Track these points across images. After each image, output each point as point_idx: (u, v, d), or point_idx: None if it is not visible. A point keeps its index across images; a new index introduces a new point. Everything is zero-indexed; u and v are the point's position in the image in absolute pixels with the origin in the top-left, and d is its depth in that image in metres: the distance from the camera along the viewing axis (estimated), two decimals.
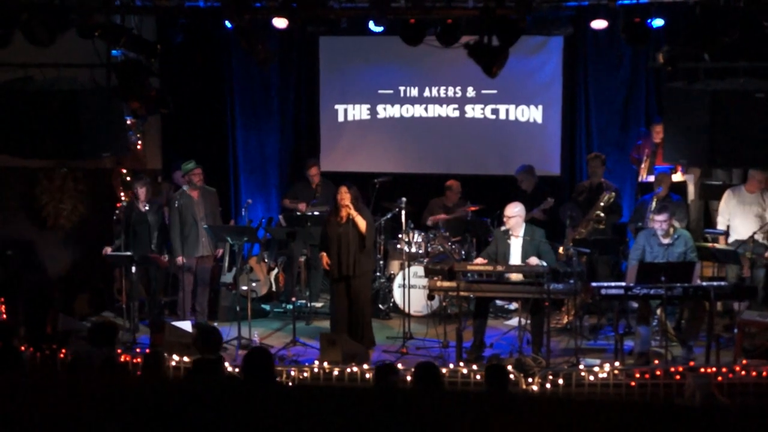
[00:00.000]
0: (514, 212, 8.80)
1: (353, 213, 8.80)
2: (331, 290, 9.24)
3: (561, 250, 9.33)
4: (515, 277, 8.59)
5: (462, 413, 2.91)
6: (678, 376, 7.70)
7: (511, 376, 7.45)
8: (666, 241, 8.46)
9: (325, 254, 9.01)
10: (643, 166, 10.49)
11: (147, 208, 9.78)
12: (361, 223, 8.82)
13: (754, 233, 9.01)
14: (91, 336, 7.06)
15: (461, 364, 8.20)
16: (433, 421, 2.89)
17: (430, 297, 9.19)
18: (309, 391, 3.86)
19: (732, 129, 7.64)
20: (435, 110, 11.69)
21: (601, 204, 9.71)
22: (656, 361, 8.15)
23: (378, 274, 10.50)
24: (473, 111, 11.61)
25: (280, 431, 2.95)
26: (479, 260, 8.89)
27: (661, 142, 10.27)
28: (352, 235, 8.84)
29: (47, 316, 9.18)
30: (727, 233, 9.50)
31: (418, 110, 11.73)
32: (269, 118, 12.05)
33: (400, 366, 7.98)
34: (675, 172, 10.11)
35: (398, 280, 10.08)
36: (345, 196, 8.83)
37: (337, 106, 11.95)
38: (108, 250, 9.76)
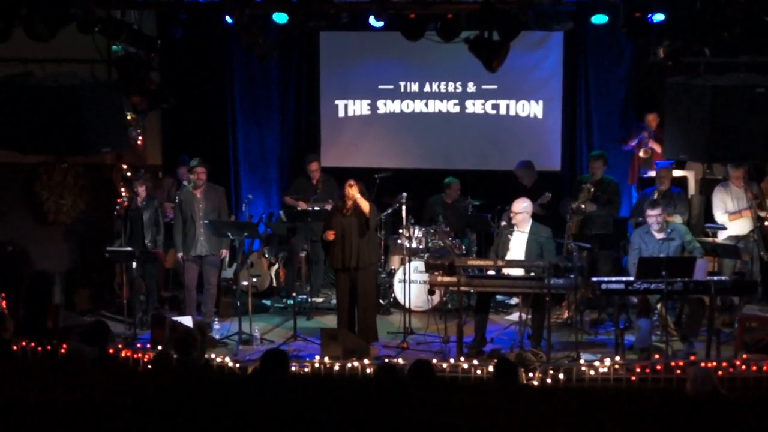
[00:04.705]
0: (521, 208, 8.79)
1: (357, 194, 8.83)
2: (336, 282, 9.27)
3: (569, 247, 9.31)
4: (516, 272, 8.59)
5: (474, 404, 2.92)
6: (678, 371, 7.70)
7: None
8: (660, 236, 8.46)
9: (331, 232, 8.91)
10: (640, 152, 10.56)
11: (144, 204, 9.76)
12: (365, 205, 8.85)
13: (751, 231, 9.04)
14: (86, 336, 7.15)
15: (462, 359, 8.21)
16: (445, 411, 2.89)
17: (431, 292, 9.19)
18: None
19: (732, 124, 7.64)
20: (435, 105, 11.68)
21: (581, 195, 9.77)
22: (656, 356, 8.16)
23: (379, 269, 10.50)
24: (474, 106, 11.60)
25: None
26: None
27: (657, 130, 10.32)
28: (356, 226, 8.87)
29: (48, 312, 9.18)
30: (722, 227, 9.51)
31: (418, 105, 11.72)
32: (269, 114, 12.04)
33: (400, 361, 8.03)
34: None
35: (399, 275, 10.08)
36: (350, 189, 8.86)
37: (337, 102, 11.94)
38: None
